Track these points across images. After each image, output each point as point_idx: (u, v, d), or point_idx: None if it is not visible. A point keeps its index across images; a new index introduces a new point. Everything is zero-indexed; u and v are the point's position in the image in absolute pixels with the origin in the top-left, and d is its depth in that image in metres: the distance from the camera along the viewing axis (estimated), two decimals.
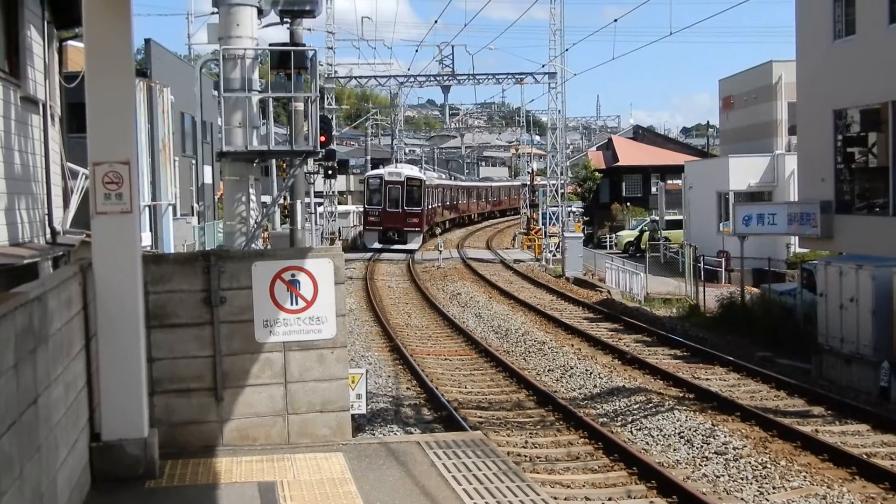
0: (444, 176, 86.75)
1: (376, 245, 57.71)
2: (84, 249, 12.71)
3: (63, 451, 7.57)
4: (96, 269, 8.98)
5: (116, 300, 8.99)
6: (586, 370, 22.44)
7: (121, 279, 9.02)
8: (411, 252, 56.20)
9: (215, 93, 14.54)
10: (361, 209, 63.79)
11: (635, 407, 18.84)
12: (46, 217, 14.17)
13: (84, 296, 8.76)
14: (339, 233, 59.14)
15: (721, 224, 43.53)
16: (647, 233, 55.39)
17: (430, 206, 62.10)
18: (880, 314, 22.09)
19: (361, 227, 60.72)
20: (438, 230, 66.60)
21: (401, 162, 75.14)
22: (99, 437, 9.01)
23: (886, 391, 20.82)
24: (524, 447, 16.10)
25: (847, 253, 26.39)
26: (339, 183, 69.69)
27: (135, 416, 9.08)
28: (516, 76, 54.01)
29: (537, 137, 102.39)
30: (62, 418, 7.55)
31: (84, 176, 15.53)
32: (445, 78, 55.67)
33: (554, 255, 51.40)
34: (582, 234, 52.70)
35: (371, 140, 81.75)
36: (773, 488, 13.77)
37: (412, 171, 63.16)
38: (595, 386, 21.01)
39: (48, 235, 14.17)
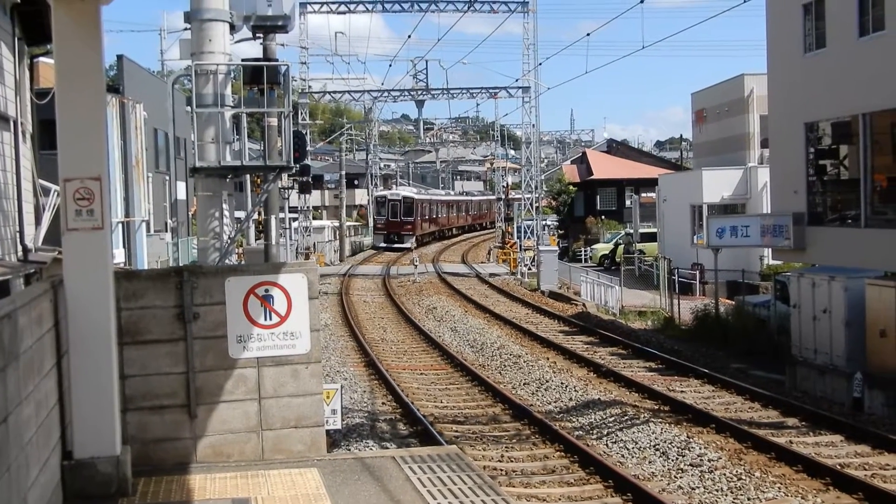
0: (451, 192, 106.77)
1: (382, 244, 76.44)
2: (56, 266, 12.63)
3: (34, 470, 7.50)
4: (68, 286, 8.93)
5: (88, 317, 8.92)
6: (562, 383, 22.47)
7: (92, 296, 8.96)
8: (406, 249, 73.01)
9: (188, 108, 14.50)
10: (337, 224, 72.88)
11: (611, 420, 18.87)
12: (18, 234, 14.07)
13: (55, 313, 8.69)
14: (314, 247, 59.07)
15: (695, 237, 43.72)
16: (622, 246, 55.56)
17: (421, 217, 79.79)
18: (853, 325, 22.28)
19: (372, 231, 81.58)
20: (415, 243, 78.39)
21: (375, 176, 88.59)
22: (71, 456, 8.93)
23: (860, 402, 20.96)
24: (500, 461, 16.09)
25: (820, 265, 26.55)
26: (314, 198, 69.80)
27: (107, 434, 9.01)
28: (490, 90, 54.14)
29: (512, 151, 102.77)
30: (33, 436, 7.49)
31: (56, 193, 15.44)
32: (419, 92, 55.70)
33: (529, 269, 51.50)
34: (557, 248, 52.82)
35: (346, 155, 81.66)
36: (748, 500, 13.81)
37: (408, 191, 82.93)
38: (571, 399, 21.03)
39: (20, 253, 14.08)
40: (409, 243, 75.53)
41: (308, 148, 43.13)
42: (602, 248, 59.41)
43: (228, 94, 14.54)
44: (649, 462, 15.98)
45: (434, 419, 19.00)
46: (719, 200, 43.78)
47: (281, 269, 10.79)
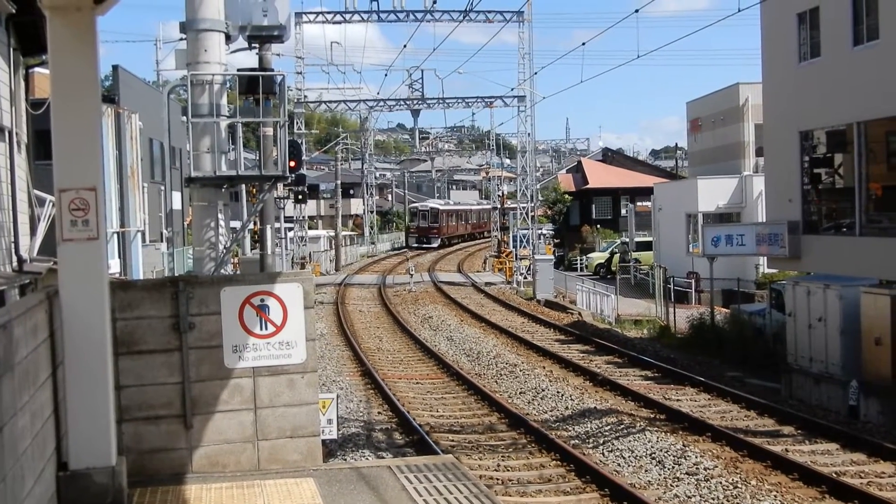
0: (484, 202, 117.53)
1: (415, 245, 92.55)
2: (51, 277, 12.60)
3: (29, 481, 7.47)
4: (63, 297, 8.91)
5: (83, 327, 8.90)
6: (558, 392, 22.46)
7: (88, 306, 8.93)
8: (433, 249, 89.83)
9: (184, 118, 14.48)
10: (332, 234, 73.15)
11: (607, 428, 18.87)
12: (13, 245, 14.05)
13: (51, 323, 8.68)
14: (310, 257, 59.04)
15: (690, 245, 43.77)
16: (618, 255, 55.62)
17: (446, 223, 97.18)
18: (848, 333, 22.31)
19: (406, 234, 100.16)
20: (441, 243, 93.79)
21: (371, 186, 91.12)
22: (66, 466, 8.90)
23: (855, 410, 20.98)
24: (496, 470, 16.09)
25: (815, 273, 26.59)
26: (310, 207, 69.85)
27: (102, 445, 8.98)
28: (486, 100, 54.17)
29: (507, 160, 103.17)
30: (28, 447, 7.46)
31: (51, 203, 15.42)
32: (415, 102, 55.73)
33: (525, 278, 51.50)
34: (552, 257, 52.82)
35: (341, 164, 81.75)
36: None
37: (435, 203, 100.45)
38: (567, 408, 21.03)
39: (15, 263, 14.06)
40: (435, 244, 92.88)
41: (304, 157, 43.12)
42: (598, 256, 59.46)
43: (224, 104, 14.54)
44: (645, 471, 15.98)
45: (430, 428, 19.00)
46: (714, 209, 43.86)
47: (276, 279, 10.78)
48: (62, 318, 8.85)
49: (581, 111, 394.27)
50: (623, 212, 66.37)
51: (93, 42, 9.11)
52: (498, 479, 15.42)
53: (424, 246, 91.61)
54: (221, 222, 14.68)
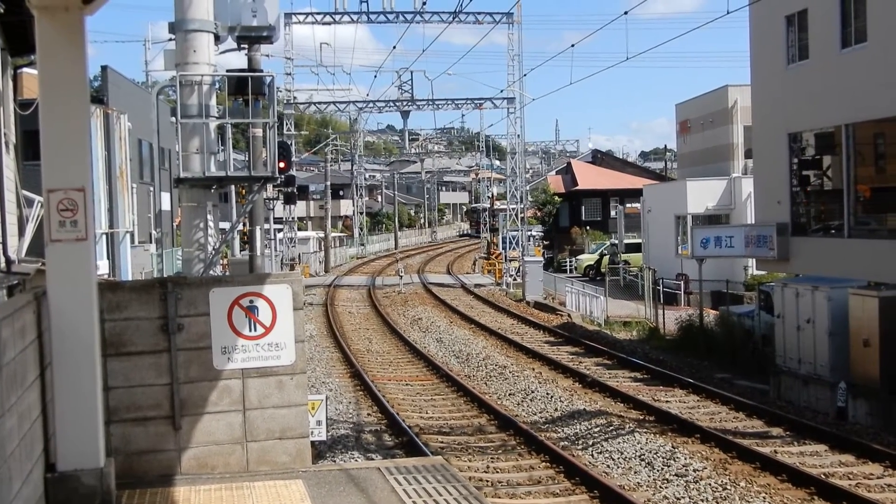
0: None
1: (474, 234, 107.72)
2: (39, 278, 12.55)
3: (17, 483, 7.44)
4: (51, 298, 8.88)
5: (72, 328, 8.87)
6: (547, 394, 22.46)
7: (76, 307, 8.91)
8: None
9: (173, 119, 14.45)
10: (322, 235, 71.81)
11: (596, 430, 18.88)
12: (0, 245, 14.00)
13: (39, 324, 8.65)
14: (299, 258, 58.93)
15: (679, 247, 43.83)
16: (607, 256, 55.64)
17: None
18: (837, 335, 22.36)
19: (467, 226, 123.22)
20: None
21: (360, 187, 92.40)
22: (54, 468, 8.87)
23: (844, 411, 21.02)
24: (486, 472, 16.07)
25: (803, 275, 26.64)
26: (299, 209, 69.71)
27: (91, 446, 8.95)
28: (475, 101, 54.14)
29: (497, 162, 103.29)
30: (16, 449, 7.43)
31: (39, 203, 15.38)
32: (405, 103, 55.65)
33: (514, 280, 51.52)
34: (542, 258, 52.86)
35: (331, 166, 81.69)
36: None
37: (486, 204, 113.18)
38: (556, 409, 21.03)
39: (2, 264, 14.00)
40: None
41: (293, 158, 43.05)
42: (587, 258, 59.47)
43: (213, 105, 14.51)
44: (635, 472, 15.98)
45: (419, 430, 18.98)
46: (703, 211, 43.94)
47: (265, 280, 10.76)
48: (50, 320, 8.82)
49: (571, 113, 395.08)
50: (612, 213, 66.41)
51: (81, 42, 9.08)
52: (487, 481, 15.41)
53: (477, 235, 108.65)
54: (210, 223, 14.65)
